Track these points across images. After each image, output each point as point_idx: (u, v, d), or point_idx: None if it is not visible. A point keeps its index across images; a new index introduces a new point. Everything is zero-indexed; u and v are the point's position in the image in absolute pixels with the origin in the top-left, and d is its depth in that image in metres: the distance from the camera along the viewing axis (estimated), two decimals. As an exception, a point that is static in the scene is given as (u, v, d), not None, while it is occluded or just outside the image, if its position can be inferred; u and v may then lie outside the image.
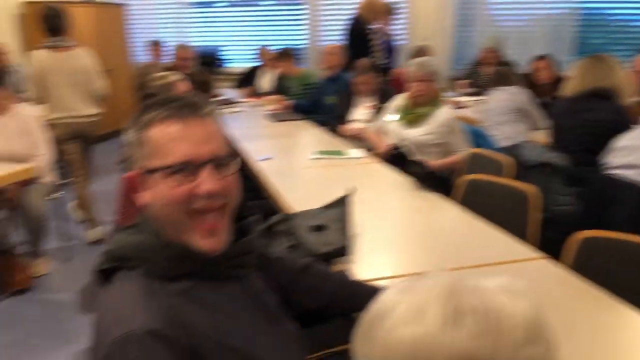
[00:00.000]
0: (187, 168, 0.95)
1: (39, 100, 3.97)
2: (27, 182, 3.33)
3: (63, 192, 3.79)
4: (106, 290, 0.97)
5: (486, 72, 5.48)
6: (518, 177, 2.46)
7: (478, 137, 3.32)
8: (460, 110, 4.49)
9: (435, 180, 2.53)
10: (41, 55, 3.88)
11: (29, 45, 4.38)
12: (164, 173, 0.95)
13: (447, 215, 2.21)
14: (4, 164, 3.20)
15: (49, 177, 3.56)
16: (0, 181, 3.04)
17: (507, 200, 2.23)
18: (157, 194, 0.97)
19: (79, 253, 3.73)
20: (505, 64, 5.41)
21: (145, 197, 0.99)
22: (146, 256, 0.96)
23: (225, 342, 0.93)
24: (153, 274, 0.95)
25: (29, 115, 3.51)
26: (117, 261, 0.98)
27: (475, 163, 2.87)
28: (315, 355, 1.53)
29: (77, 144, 4.04)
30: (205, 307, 0.95)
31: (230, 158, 1.01)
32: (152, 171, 0.97)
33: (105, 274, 0.99)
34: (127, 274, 0.96)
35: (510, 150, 3.04)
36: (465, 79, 5.83)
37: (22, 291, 3.19)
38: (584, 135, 2.87)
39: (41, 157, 3.45)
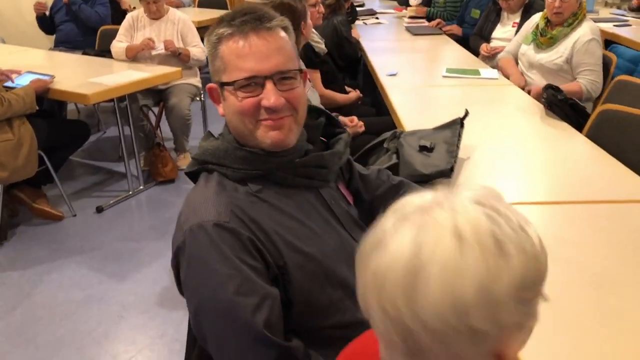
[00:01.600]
0: (252, 83, 1.01)
1: None
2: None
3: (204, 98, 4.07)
4: (192, 189, 1.09)
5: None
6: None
7: (633, 63, 2.96)
8: (619, 29, 4.02)
9: (570, 108, 2.34)
10: None
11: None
12: (232, 87, 1.02)
13: (573, 146, 2.06)
14: (158, 66, 3.51)
15: (196, 80, 3.84)
16: (154, 81, 3.34)
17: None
18: (228, 105, 1.05)
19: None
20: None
21: (221, 107, 1.09)
22: (221, 159, 1.06)
23: (290, 242, 1.01)
24: (226, 175, 1.05)
25: (183, 17, 3.78)
26: (200, 164, 1.09)
27: (623, 92, 2.58)
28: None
29: None
30: (272, 208, 1.03)
31: (295, 72, 1.04)
32: (223, 85, 1.04)
33: (193, 176, 1.11)
34: (207, 176, 1.07)
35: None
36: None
37: (167, 181, 3.58)
38: None
39: (194, 54, 3.71)
